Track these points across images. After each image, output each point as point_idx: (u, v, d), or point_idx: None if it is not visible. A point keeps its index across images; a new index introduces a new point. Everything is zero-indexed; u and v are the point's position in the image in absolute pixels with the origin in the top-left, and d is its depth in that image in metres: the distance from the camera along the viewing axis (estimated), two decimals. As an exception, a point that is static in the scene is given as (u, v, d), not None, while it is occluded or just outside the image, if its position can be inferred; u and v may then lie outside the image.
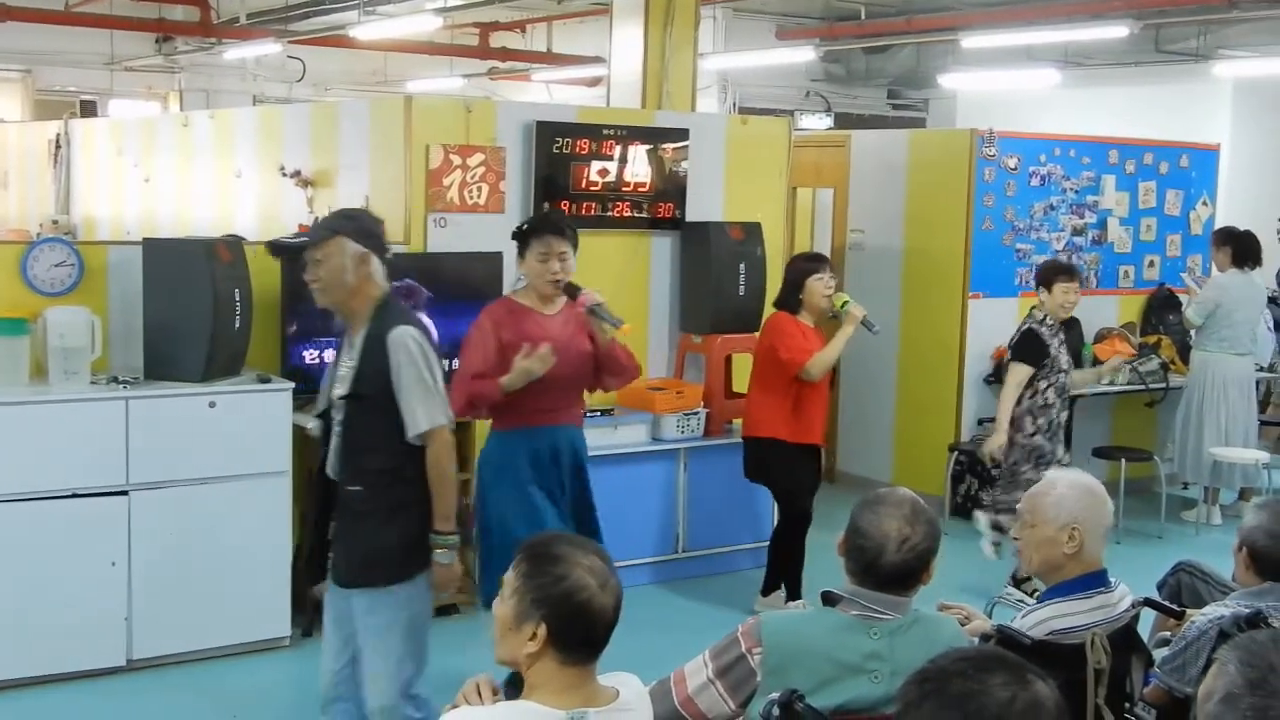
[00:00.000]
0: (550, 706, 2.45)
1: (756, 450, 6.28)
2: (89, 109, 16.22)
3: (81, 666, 5.32)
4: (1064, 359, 6.56)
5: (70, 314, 5.48)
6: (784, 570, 6.32)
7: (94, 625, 5.32)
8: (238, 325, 5.68)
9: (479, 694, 2.59)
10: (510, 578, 2.53)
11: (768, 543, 7.28)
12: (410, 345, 3.91)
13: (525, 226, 4.93)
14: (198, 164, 9.64)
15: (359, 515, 3.98)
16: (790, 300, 6.16)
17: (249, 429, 5.61)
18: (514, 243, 4.95)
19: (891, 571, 2.86)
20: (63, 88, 16.07)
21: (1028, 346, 6.49)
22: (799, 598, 6.23)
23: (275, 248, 4.15)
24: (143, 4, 13.50)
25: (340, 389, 3.99)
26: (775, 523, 6.53)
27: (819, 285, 6.04)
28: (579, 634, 2.47)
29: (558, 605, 2.45)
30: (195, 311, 5.55)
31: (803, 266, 6.22)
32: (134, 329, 5.70)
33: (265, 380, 5.75)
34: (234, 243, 6.03)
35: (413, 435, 3.91)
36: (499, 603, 2.53)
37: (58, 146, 12.45)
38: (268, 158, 8.39)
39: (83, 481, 5.25)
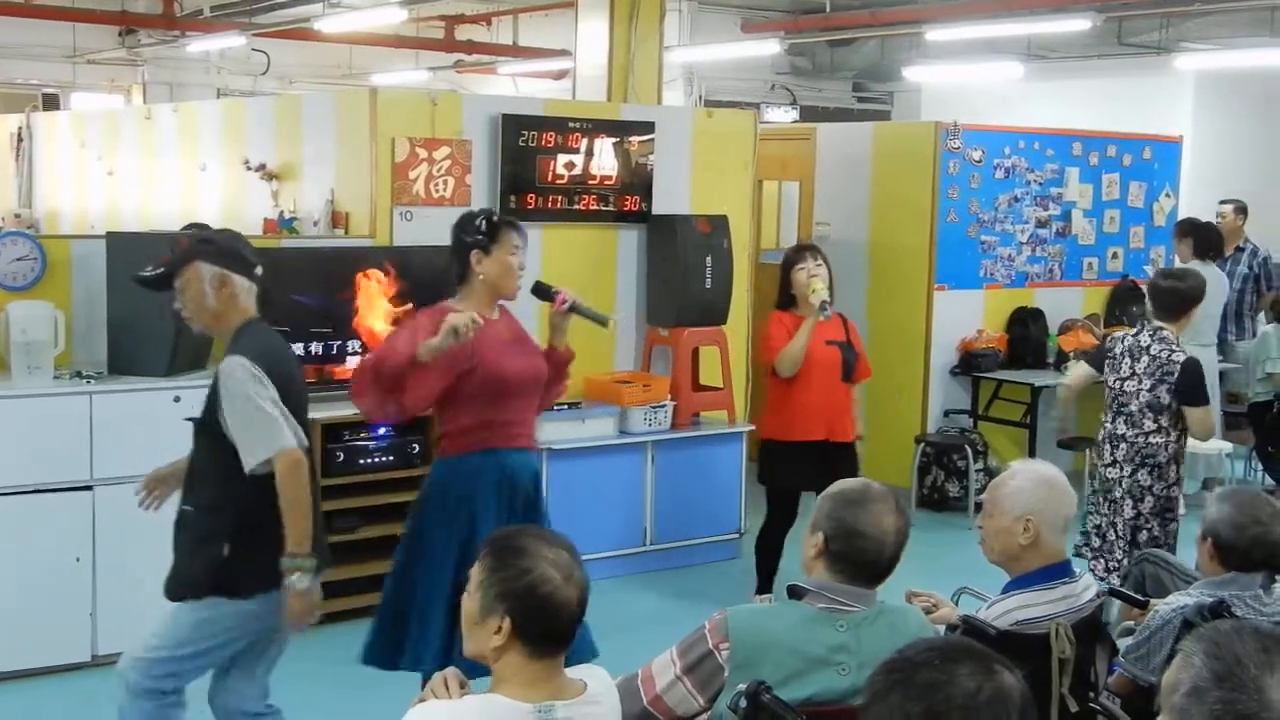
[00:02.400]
0: (518, 700, 2.44)
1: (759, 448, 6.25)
2: (51, 102, 16.07)
3: (46, 662, 5.30)
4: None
5: (33, 308, 5.43)
6: (759, 564, 6.31)
7: (58, 620, 5.29)
8: (201, 320, 5.65)
9: (446, 688, 2.58)
10: (476, 571, 2.53)
11: (735, 535, 7.33)
12: (236, 374, 3.69)
13: (495, 219, 4.36)
14: (162, 157, 9.58)
15: (181, 532, 3.88)
16: (783, 296, 6.08)
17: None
18: (472, 236, 4.31)
19: (888, 566, 2.91)
20: (24, 80, 15.90)
21: (1202, 382, 5.58)
22: (769, 591, 6.24)
23: (142, 282, 3.92)
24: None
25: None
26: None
27: (801, 275, 5.94)
28: (543, 627, 2.46)
29: (521, 599, 2.45)
30: (159, 306, 5.48)
31: (787, 258, 6.15)
32: (98, 323, 5.65)
33: (230, 375, 5.72)
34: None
35: (252, 468, 3.69)
36: (467, 597, 2.53)
37: (19, 140, 12.34)
38: (232, 151, 8.34)
39: (46, 477, 5.21)
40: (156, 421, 5.41)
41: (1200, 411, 5.52)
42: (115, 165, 10.31)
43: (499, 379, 4.23)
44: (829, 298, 5.90)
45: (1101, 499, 5.72)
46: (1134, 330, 5.81)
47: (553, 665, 2.50)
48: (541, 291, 4.49)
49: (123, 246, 5.73)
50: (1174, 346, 5.57)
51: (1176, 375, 5.50)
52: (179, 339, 5.54)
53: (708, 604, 6.22)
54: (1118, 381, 5.69)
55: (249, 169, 7.84)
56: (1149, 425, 5.56)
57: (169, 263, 3.86)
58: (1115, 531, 5.63)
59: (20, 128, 12.22)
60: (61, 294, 5.66)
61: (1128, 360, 5.66)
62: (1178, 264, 8.77)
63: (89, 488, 5.24)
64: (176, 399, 5.45)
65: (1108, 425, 5.73)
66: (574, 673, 2.56)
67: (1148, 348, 5.62)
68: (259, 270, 3.91)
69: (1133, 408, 5.61)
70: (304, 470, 3.76)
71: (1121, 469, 5.63)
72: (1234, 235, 9.30)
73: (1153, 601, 3.89)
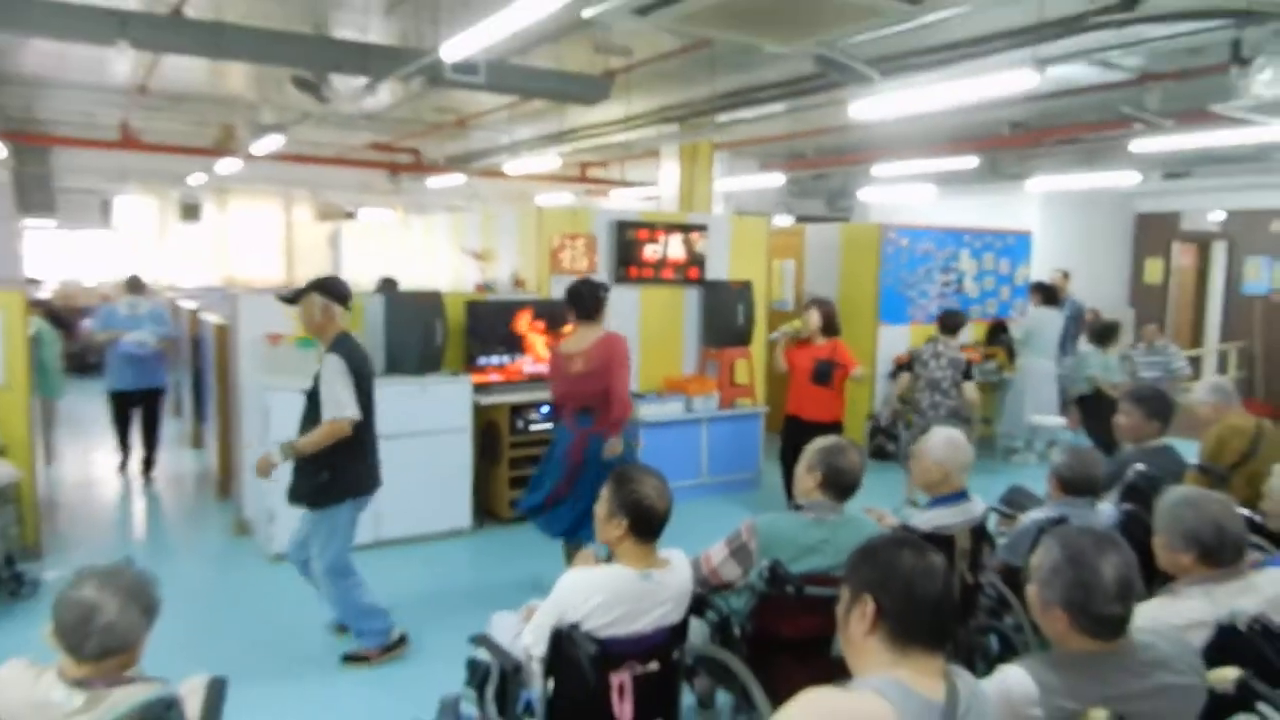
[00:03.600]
0: (631, 568, 2.44)
1: None
2: (350, 215, 16.42)
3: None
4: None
5: (340, 336, 5.52)
6: (789, 494, 6.14)
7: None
8: (438, 342, 5.73)
9: (588, 560, 2.58)
10: (604, 490, 2.54)
11: (755, 473, 7.22)
12: (331, 364, 3.65)
13: (607, 288, 4.47)
14: (415, 248, 9.74)
15: (301, 464, 3.77)
16: None
17: (444, 404, 5.65)
18: (604, 292, 4.41)
19: (856, 488, 2.94)
20: (335, 202, 16.28)
21: (970, 369, 6.27)
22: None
23: (280, 298, 3.91)
24: (381, 152, 13.65)
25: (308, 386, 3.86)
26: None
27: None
28: (644, 524, 2.48)
29: (632, 508, 2.47)
30: (412, 334, 5.60)
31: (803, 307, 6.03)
32: (378, 345, 5.75)
33: (455, 375, 5.78)
34: (432, 291, 6.05)
35: (327, 419, 3.66)
36: (599, 505, 2.54)
37: (333, 238, 12.63)
38: (455, 244, 8.46)
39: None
40: (412, 402, 5.50)
41: (973, 384, 6.12)
42: (388, 254, 10.50)
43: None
44: (789, 332, 5.79)
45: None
46: (931, 343, 6.22)
47: (651, 547, 2.51)
48: None
49: (391, 298, 5.84)
50: (959, 351, 6.14)
51: (963, 366, 6.11)
52: (423, 353, 5.62)
53: (742, 512, 6.18)
54: (931, 374, 6.15)
55: (465, 254, 7.94)
56: (954, 394, 6.11)
57: (296, 291, 3.83)
58: None
59: (334, 231, 12.52)
60: (358, 327, 5.75)
61: (934, 361, 6.15)
62: (1030, 309, 8.57)
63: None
64: (423, 389, 5.54)
65: (929, 399, 6.15)
66: (663, 552, 2.56)
67: (944, 354, 6.14)
68: (351, 302, 3.88)
69: (945, 386, 6.10)
70: (339, 434, 3.65)
71: (945, 421, 6.00)
72: (1062, 291, 9.13)
73: (1018, 515, 3.79)
